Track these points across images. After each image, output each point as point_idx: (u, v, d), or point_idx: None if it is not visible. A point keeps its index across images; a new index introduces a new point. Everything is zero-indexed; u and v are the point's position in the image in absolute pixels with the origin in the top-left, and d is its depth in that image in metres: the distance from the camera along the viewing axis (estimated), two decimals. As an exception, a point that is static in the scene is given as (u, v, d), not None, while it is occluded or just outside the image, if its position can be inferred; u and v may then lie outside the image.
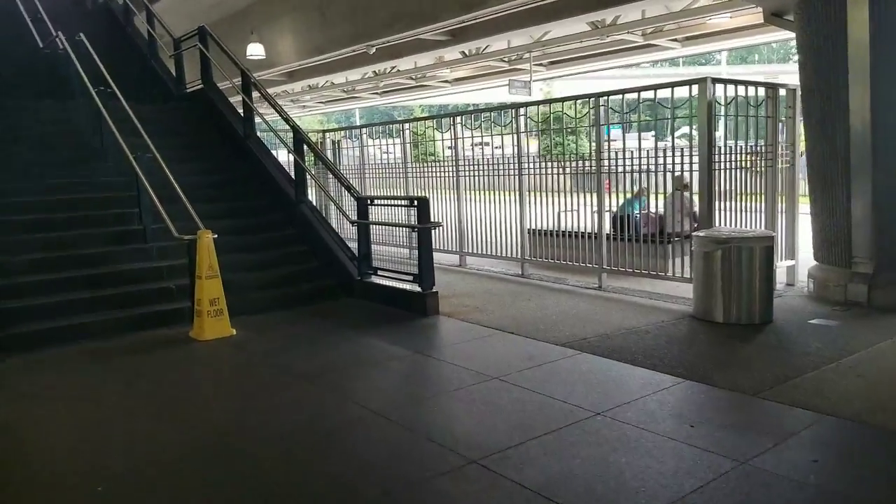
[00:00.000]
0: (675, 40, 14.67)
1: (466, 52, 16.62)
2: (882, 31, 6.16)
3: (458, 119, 9.82)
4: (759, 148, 7.42)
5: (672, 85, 7.16)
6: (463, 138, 9.80)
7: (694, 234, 6.32)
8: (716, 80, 6.88)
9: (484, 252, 9.49)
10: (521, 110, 8.79)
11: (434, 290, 6.61)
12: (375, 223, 7.41)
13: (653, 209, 8.78)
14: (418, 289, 6.61)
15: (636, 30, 13.72)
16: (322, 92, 23.32)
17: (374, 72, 19.34)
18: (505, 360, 5.07)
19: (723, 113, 6.99)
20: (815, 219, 7.21)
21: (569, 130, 9.00)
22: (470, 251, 9.74)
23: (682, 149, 7.31)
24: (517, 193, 8.91)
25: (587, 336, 5.63)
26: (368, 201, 7.39)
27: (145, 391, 4.70)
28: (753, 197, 7.44)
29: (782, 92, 7.60)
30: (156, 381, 4.89)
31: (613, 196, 7.99)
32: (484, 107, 9.79)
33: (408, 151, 10.93)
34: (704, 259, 6.12)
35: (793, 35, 7.71)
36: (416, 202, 6.79)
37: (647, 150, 7.62)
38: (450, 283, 8.29)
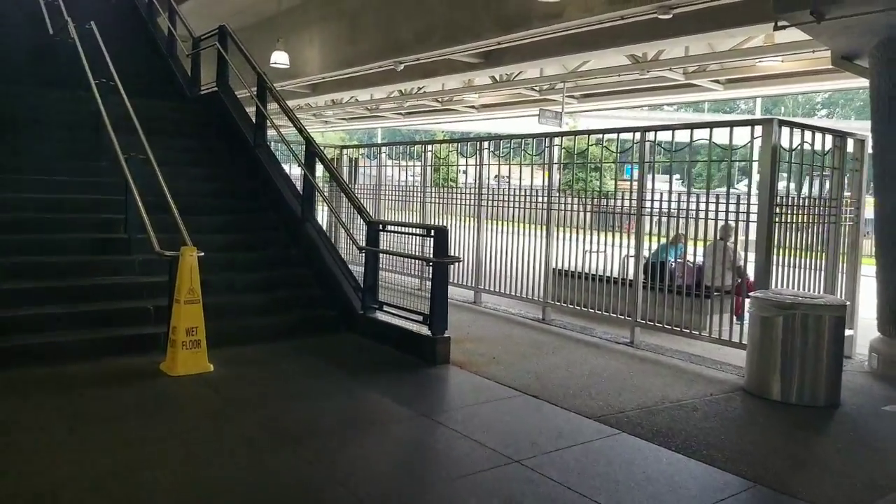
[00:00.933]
0: (716, 81, 13.93)
1: (497, 78, 15.98)
2: None
3: (486, 144, 9.08)
4: (822, 201, 6.60)
5: (733, 124, 6.39)
6: (489, 165, 9.06)
7: (752, 295, 5.47)
8: (783, 122, 6.08)
9: (502, 290, 8.67)
10: (556, 140, 8.04)
11: (446, 336, 5.79)
12: (386, 252, 6.62)
13: (690, 258, 7.96)
14: (428, 332, 5.80)
15: (678, 67, 13.01)
16: (346, 108, 22.79)
17: (401, 91, 18.76)
18: (528, 434, 4.22)
19: (786, 160, 6.18)
20: (883, 287, 6.34)
21: (593, 166, 8.27)
22: (487, 288, 8.93)
23: (738, 195, 6.49)
24: (544, 228, 8.13)
25: (625, 408, 4.78)
26: (380, 227, 6.62)
27: (77, 444, 3.81)
28: (811, 255, 6.60)
29: (850, 142, 6.80)
30: (99, 429, 4.04)
31: (633, 238, 7.21)
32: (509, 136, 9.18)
33: (428, 175, 10.21)
34: (762, 325, 5.27)
35: (853, 84, 6.95)
36: (433, 232, 6.00)
37: (697, 195, 6.79)
38: (463, 323, 7.47)
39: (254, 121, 8.72)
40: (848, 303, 5.28)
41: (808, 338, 5.05)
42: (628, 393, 5.16)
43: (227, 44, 9.46)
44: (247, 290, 6.58)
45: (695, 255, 7.35)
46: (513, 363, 5.87)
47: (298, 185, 7.94)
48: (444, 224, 9.47)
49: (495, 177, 9.30)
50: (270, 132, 8.81)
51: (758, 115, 32.17)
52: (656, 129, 7.01)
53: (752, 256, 6.61)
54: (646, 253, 7.28)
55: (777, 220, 6.03)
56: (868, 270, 6.99)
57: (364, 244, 6.56)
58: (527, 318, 8.13)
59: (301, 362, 5.59)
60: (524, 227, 8.44)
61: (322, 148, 8.12)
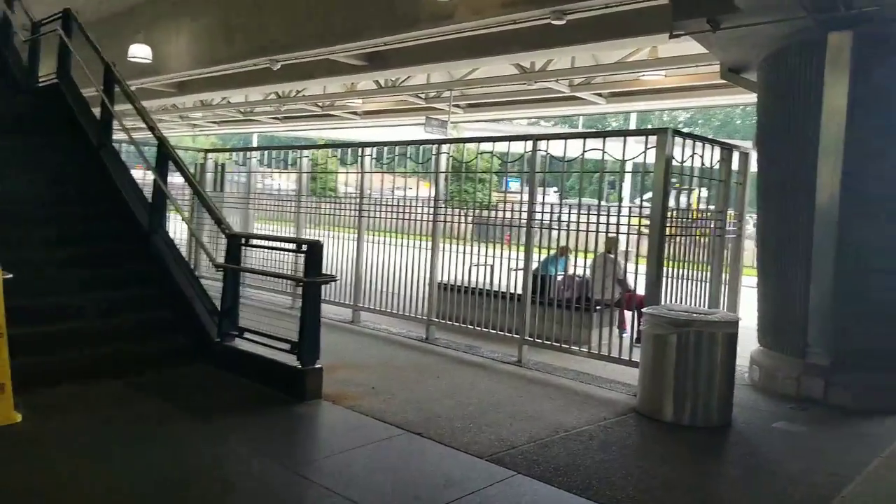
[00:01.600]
0: (599, 94, 14.08)
1: (382, 83, 15.37)
2: (861, 101, 5.39)
3: (367, 151, 8.45)
4: (708, 215, 6.52)
5: (626, 133, 6.17)
6: (371, 173, 8.43)
7: (645, 311, 5.20)
8: (676, 133, 5.90)
9: (384, 308, 8.05)
10: (443, 148, 7.56)
11: (318, 366, 5.08)
12: (248, 270, 5.80)
13: (575, 271, 7.75)
14: (297, 362, 5.06)
15: (564, 79, 12.98)
16: (216, 110, 21.31)
17: (277, 93, 17.70)
18: (412, 485, 3.64)
19: (677, 172, 6.01)
20: (763, 300, 6.34)
21: (479, 178, 7.91)
22: (367, 306, 8.27)
23: (630, 207, 6.29)
24: (429, 241, 7.62)
25: (519, 442, 4.29)
26: (242, 240, 5.80)
27: None
28: (696, 268, 6.49)
29: (735, 155, 6.80)
30: None
31: (514, 250, 6.91)
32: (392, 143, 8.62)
33: (304, 183, 9.42)
34: (655, 343, 5.00)
35: (734, 101, 7.00)
36: (305, 247, 5.28)
37: (588, 206, 6.52)
38: (339, 346, 6.77)
39: (99, 117, 7.59)
40: (741, 318, 5.11)
41: (701, 356, 4.83)
42: (520, 422, 4.70)
43: (71, 29, 8.23)
44: (79, 315, 5.54)
45: (584, 267, 7.12)
46: (394, 393, 5.25)
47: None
48: (320, 237, 8.77)
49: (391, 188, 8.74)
50: (124, 133, 7.72)
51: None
52: (548, 137, 6.68)
53: (631, 268, 6.46)
54: (534, 265, 6.96)
55: (668, 232, 5.84)
56: (749, 281, 7.02)
57: (222, 260, 5.71)
58: (409, 338, 7.55)
59: (140, 407, 4.64)
60: (408, 240, 7.89)
61: (185, 151, 7.17)
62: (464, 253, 7.36)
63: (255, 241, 6.01)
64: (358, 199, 8.42)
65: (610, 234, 7.00)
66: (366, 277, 8.32)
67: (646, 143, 5.87)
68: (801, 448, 4.60)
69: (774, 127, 6.22)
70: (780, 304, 6.04)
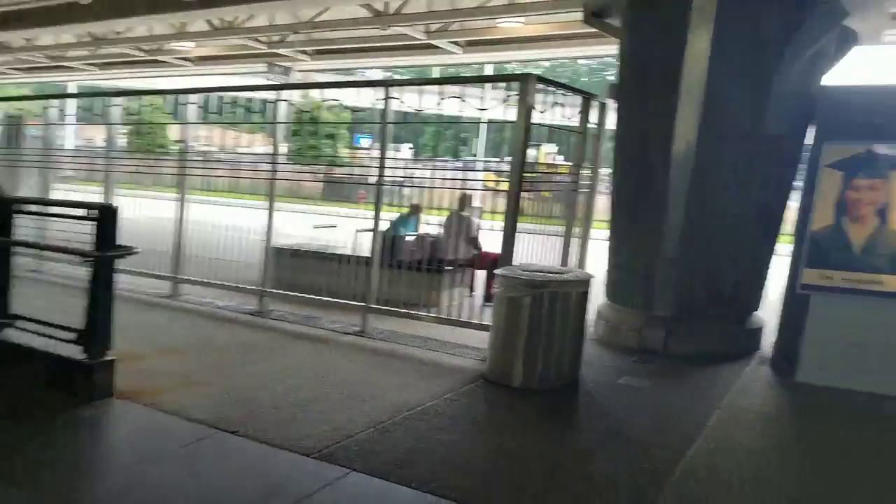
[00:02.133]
0: (456, 43, 13.46)
1: (217, 24, 13.74)
2: (723, 51, 5.20)
3: (192, 98, 7.28)
4: (565, 169, 6.19)
5: (485, 79, 5.75)
6: (198, 125, 7.32)
7: (498, 273, 4.75)
8: (540, 80, 5.40)
9: (210, 280, 7.08)
10: (284, 94, 6.63)
11: (109, 358, 4.15)
12: (13, 243, 4.64)
13: (429, 230, 7.29)
14: (83, 355, 4.11)
15: (420, 23, 12.20)
16: (18, 55, 18.36)
17: (93, 35, 15.42)
18: (221, 502, 2.94)
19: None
20: (613, 253, 6.17)
21: (324, 133, 7.13)
22: (190, 277, 7.25)
23: (486, 162, 5.79)
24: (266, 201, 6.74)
25: (357, 430, 3.71)
26: (11, 206, 4.62)
27: None
28: (549, 223, 6.17)
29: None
30: None
31: (365, 210, 6.35)
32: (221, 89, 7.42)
33: (113, 137, 8.07)
34: (509, 306, 4.59)
35: (597, 52, 6.70)
36: (95, 213, 4.23)
37: (444, 162, 5.96)
38: (152, 327, 5.81)
39: None
40: (594, 276, 4.83)
41: (555, 317, 4.50)
42: (360, 404, 4.12)
43: None
44: None
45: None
46: (211, 382, 4.46)
47: None
48: (137, 201, 7.61)
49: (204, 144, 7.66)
50: None
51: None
52: (402, 83, 5.97)
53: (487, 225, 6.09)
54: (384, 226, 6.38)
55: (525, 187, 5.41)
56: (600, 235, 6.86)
57: None
58: (239, 311, 6.68)
59: None
60: (243, 202, 6.97)
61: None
62: (307, 214, 6.59)
63: (30, 208, 4.83)
64: (180, 156, 7.31)
65: (462, 191, 6.55)
66: (189, 244, 7.28)
67: (507, 88, 5.36)
68: (647, 405, 4.50)
69: (636, 73, 5.96)
70: (631, 257, 5.90)
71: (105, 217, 4.21)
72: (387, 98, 5.81)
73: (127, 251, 4.35)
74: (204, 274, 7.09)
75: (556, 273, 4.71)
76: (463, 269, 7.21)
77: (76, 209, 4.54)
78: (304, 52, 15.65)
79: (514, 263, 5.25)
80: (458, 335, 5.62)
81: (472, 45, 13.69)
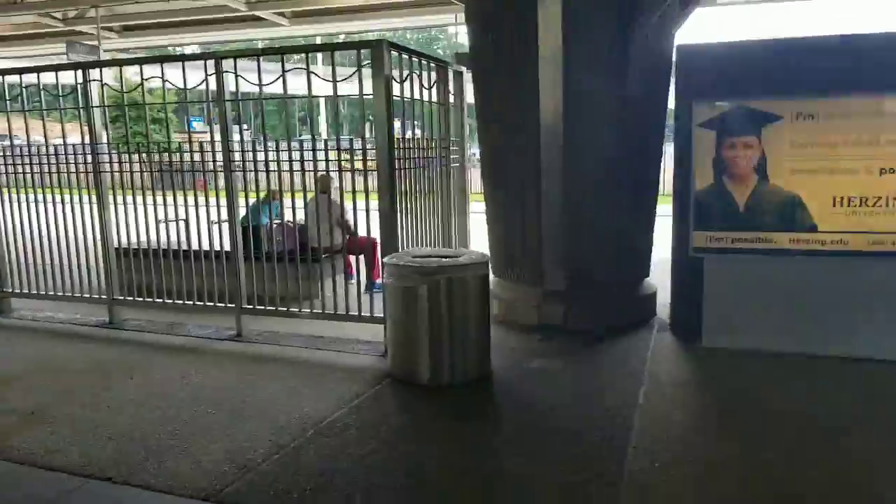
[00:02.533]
0: (281, 14, 12.70)
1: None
2: (575, 14, 5.12)
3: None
4: (434, 143, 5.93)
5: (334, 48, 5.16)
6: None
7: (387, 261, 4.42)
8: (392, 46, 5.05)
9: (46, 291, 6.09)
10: (93, 73, 5.72)
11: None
12: None
13: (287, 218, 6.75)
14: None
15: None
16: None
17: None
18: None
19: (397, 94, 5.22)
20: (494, 228, 6.06)
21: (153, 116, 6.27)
22: (20, 290, 6.20)
23: (351, 139, 5.38)
24: (92, 196, 5.87)
25: (256, 458, 3.25)
26: None
27: None
28: (425, 201, 5.93)
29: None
30: None
31: (209, 198, 5.75)
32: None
33: None
34: (403, 297, 4.29)
35: (440, 20, 6.42)
36: None
37: (300, 142, 5.48)
38: (-22, 357, 4.88)
39: None
40: (489, 256, 4.63)
41: (454, 305, 4.24)
42: (253, 423, 3.65)
43: None
44: None
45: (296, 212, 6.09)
46: (67, 415, 3.75)
47: None
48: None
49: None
50: None
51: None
52: (235, 55, 5.34)
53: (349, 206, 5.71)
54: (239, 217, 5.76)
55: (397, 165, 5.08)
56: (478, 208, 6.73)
57: None
58: (87, 325, 5.82)
59: None
60: (67, 198, 5.99)
61: None
62: (145, 206, 5.78)
63: None
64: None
65: (319, 172, 6.09)
66: (14, 252, 6.21)
67: (358, 58, 4.96)
68: (568, 389, 4.24)
69: (491, 39, 5.75)
70: (513, 232, 5.79)
71: None
72: (219, 73, 5.21)
73: None
74: (36, 285, 6.09)
75: (449, 257, 4.46)
76: (337, 255, 6.81)
77: None
78: (110, 29, 14.08)
79: (401, 250, 4.96)
80: (346, 330, 5.23)
81: (299, 16, 13.04)
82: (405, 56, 5.18)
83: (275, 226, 6.89)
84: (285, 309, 5.33)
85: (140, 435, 3.51)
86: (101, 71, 5.77)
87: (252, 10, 11.80)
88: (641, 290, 5.78)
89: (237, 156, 5.37)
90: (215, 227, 5.95)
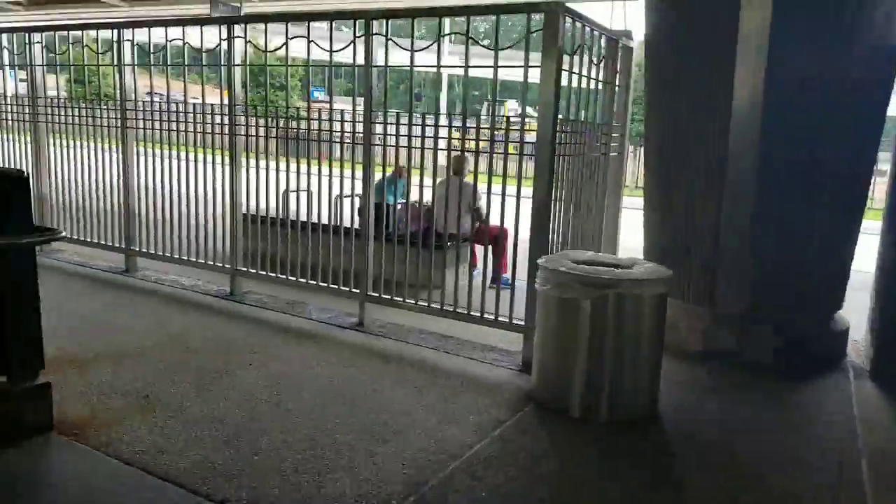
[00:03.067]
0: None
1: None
2: None
3: (128, 35, 5.94)
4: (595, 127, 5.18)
5: (507, 10, 4.53)
6: (135, 66, 6.01)
7: (543, 264, 3.76)
8: (569, 13, 4.30)
9: (171, 253, 5.92)
10: (236, 34, 5.37)
11: (41, 382, 3.05)
12: None
13: (413, 197, 6.28)
14: (2, 378, 2.99)
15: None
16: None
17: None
18: None
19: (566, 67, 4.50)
20: (655, 232, 5.25)
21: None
22: (146, 250, 6.08)
23: (507, 116, 4.73)
24: (226, 159, 5.59)
25: (389, 498, 2.72)
26: None
27: None
28: (580, 194, 5.20)
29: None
30: None
31: (331, 168, 5.31)
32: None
33: (38, 81, 6.67)
34: (560, 311, 3.63)
35: None
36: None
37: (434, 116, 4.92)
38: (102, 317, 4.70)
39: None
40: (671, 272, 3.86)
41: (624, 327, 3.53)
42: (384, 445, 3.11)
43: None
44: None
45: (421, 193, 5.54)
46: (182, 405, 3.40)
47: None
48: (66, 156, 6.35)
49: (147, 93, 6.34)
50: None
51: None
52: (385, 15, 4.80)
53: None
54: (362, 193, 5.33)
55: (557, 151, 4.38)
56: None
57: None
58: (208, 293, 5.59)
59: None
60: (195, 157, 5.78)
61: None
62: (271, 172, 5.45)
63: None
64: (120, 105, 6.03)
65: (454, 152, 5.51)
66: (142, 210, 6.09)
67: (528, 22, 4.29)
68: (765, 444, 3.38)
69: (679, 16, 4.91)
70: (680, 239, 4.97)
71: (10, 188, 3.01)
72: (368, 35, 4.68)
73: (49, 234, 3.20)
74: (162, 245, 5.93)
75: (618, 266, 3.74)
76: (464, 243, 6.27)
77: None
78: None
79: (558, 252, 4.29)
80: (474, 330, 4.65)
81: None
82: (578, 25, 4.45)
83: (399, 206, 6.42)
84: (413, 302, 4.79)
85: (258, 442, 3.08)
86: (245, 28, 5.43)
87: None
88: (833, 325, 4.80)
89: (378, 128, 4.87)
90: (341, 202, 5.56)
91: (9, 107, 6.98)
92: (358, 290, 4.98)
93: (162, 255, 5.96)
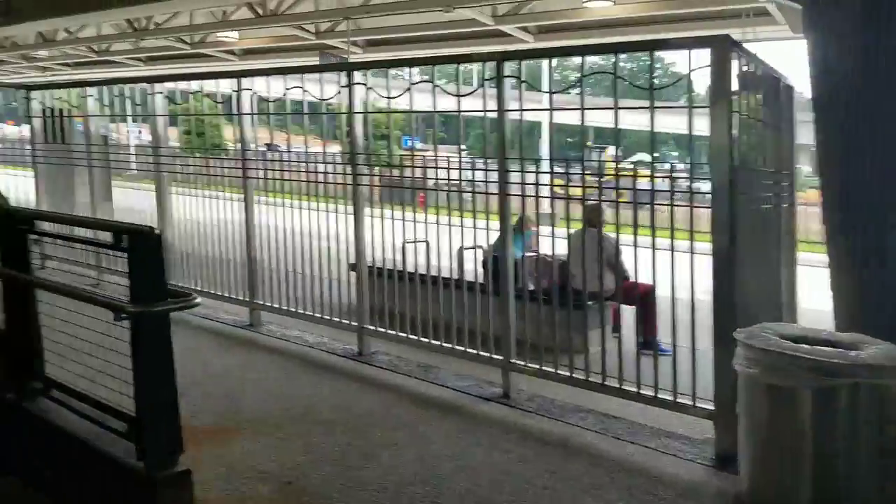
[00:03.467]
0: (525, 29, 11.89)
1: (260, 11, 12.41)
2: None
3: (246, 84, 5.79)
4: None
5: (659, 46, 4.06)
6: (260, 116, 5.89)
7: (744, 341, 3.10)
8: (735, 45, 3.76)
9: (294, 308, 5.60)
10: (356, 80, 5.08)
11: (181, 470, 2.65)
12: (37, 283, 3.11)
13: (539, 249, 5.78)
14: (139, 462, 2.62)
15: (486, 3, 10.66)
16: (63, 48, 17.27)
17: (132, 24, 14.21)
18: None
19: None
20: (849, 296, 4.46)
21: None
22: (269, 303, 5.80)
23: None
24: (344, 208, 5.32)
25: None
26: (28, 225, 3.14)
27: None
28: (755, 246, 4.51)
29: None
30: None
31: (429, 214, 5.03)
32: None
33: (161, 130, 6.64)
34: (772, 401, 2.96)
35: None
36: (128, 241, 2.69)
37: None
38: (231, 379, 4.42)
39: None
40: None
41: (860, 425, 2.81)
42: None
43: None
44: None
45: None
46: (330, 497, 2.94)
47: None
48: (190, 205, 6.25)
49: (265, 143, 6.21)
50: None
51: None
52: (520, 56, 4.39)
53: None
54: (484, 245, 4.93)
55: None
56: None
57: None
58: (334, 352, 5.21)
59: None
60: (308, 206, 5.55)
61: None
62: (385, 219, 5.12)
63: (49, 228, 3.33)
64: (241, 154, 5.88)
65: (588, 202, 4.96)
66: (265, 262, 5.85)
67: (689, 59, 3.75)
68: None
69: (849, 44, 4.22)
70: (881, 300, 4.17)
71: (141, 247, 2.66)
72: (500, 77, 4.25)
73: (184, 301, 2.80)
74: (286, 297, 5.63)
75: (842, 345, 3.03)
76: (605, 302, 5.64)
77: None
78: (355, 44, 14.19)
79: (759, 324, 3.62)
80: (639, 406, 3.99)
81: (544, 31, 12.17)
82: (743, 61, 3.85)
83: (528, 257, 5.88)
84: (567, 373, 4.20)
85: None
86: (367, 74, 5.16)
87: (498, 25, 11.13)
88: None
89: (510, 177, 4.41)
90: (466, 254, 5.09)
91: (133, 157, 7.04)
92: (500, 357, 4.45)
93: (286, 309, 5.66)
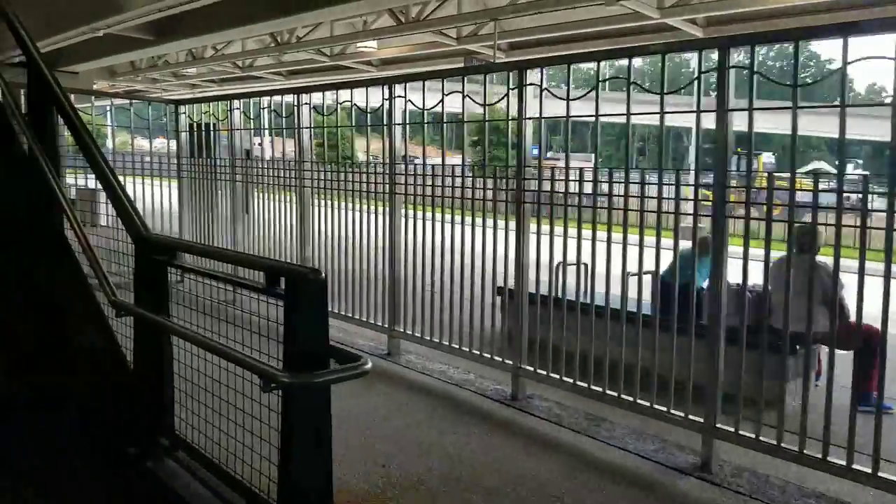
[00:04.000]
0: (692, 21, 10.75)
1: (401, 18, 12.10)
2: None
3: (398, 90, 5.32)
4: None
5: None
6: (401, 126, 5.38)
7: None
8: None
9: (438, 339, 5.02)
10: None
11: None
12: (173, 330, 2.67)
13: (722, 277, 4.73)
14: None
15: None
16: (210, 65, 18.07)
17: (275, 38, 14.46)
18: None
19: None
20: None
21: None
22: (411, 332, 5.26)
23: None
24: (506, 228, 4.63)
25: None
26: (169, 256, 2.73)
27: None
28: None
29: None
30: None
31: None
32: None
33: (306, 144, 6.33)
34: None
35: None
36: (283, 286, 2.15)
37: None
38: (367, 424, 3.85)
39: None
40: None
41: None
42: None
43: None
44: None
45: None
46: None
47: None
48: (332, 221, 5.85)
49: (402, 156, 5.67)
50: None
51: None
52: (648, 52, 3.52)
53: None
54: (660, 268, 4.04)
55: None
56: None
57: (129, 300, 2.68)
58: (484, 394, 4.55)
59: None
60: (452, 221, 4.92)
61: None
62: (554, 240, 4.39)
63: (193, 262, 2.90)
64: (389, 169, 5.39)
65: (798, 223, 3.97)
66: (407, 287, 5.29)
67: (844, 52, 2.77)
68: None
69: None
70: None
71: (301, 295, 2.09)
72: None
73: (352, 369, 2.16)
74: (427, 324, 5.06)
75: None
76: (816, 345, 4.56)
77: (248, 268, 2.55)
78: (499, 49, 13.54)
79: None
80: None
81: (713, 23, 10.92)
82: None
83: (724, 288, 4.88)
84: (796, 451, 3.26)
85: None
86: (530, 77, 4.47)
87: (663, 18, 10.04)
88: None
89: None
90: (631, 279, 4.21)
91: (273, 170, 6.80)
92: (699, 419, 3.58)
93: (429, 339, 5.09)
